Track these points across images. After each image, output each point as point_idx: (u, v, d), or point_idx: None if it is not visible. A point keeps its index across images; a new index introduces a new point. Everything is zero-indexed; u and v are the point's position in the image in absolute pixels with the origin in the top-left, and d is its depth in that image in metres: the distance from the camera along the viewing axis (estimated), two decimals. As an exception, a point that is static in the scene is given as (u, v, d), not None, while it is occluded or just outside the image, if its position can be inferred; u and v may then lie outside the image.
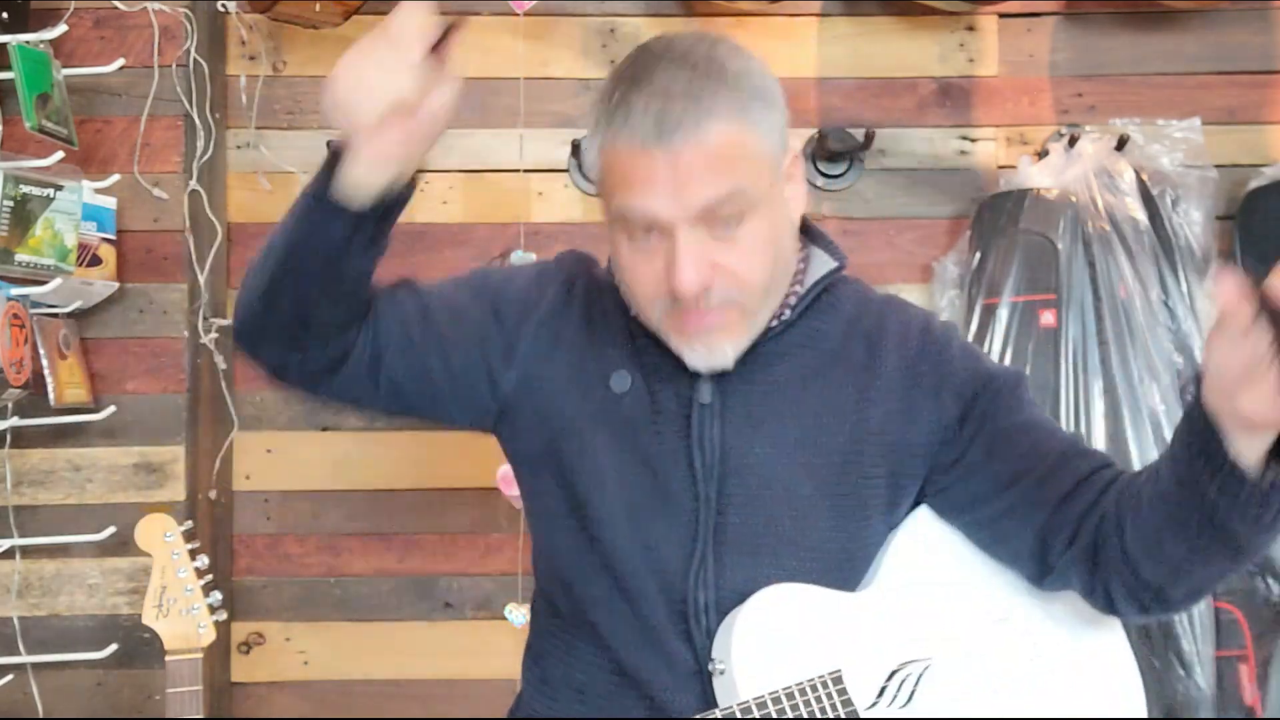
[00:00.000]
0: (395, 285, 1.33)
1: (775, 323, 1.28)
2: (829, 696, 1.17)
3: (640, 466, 1.27)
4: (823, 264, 1.32)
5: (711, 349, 1.22)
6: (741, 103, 1.17)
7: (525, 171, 2.45)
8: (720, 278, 1.18)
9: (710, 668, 1.20)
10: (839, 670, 1.19)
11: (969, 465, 1.27)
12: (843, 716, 1.16)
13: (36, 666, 2.20)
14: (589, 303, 1.35)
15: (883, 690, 1.19)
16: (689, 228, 1.16)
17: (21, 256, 2.01)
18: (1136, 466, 2.18)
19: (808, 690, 1.17)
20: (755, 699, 1.16)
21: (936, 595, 1.25)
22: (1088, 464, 1.23)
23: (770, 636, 1.19)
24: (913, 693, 1.20)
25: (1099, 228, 2.30)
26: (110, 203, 2.20)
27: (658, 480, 1.26)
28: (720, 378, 1.26)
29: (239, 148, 2.47)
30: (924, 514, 1.29)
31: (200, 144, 2.31)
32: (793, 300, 1.29)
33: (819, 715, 1.16)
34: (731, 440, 1.25)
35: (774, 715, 1.16)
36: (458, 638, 2.45)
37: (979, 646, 1.23)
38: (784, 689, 1.17)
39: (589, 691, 1.30)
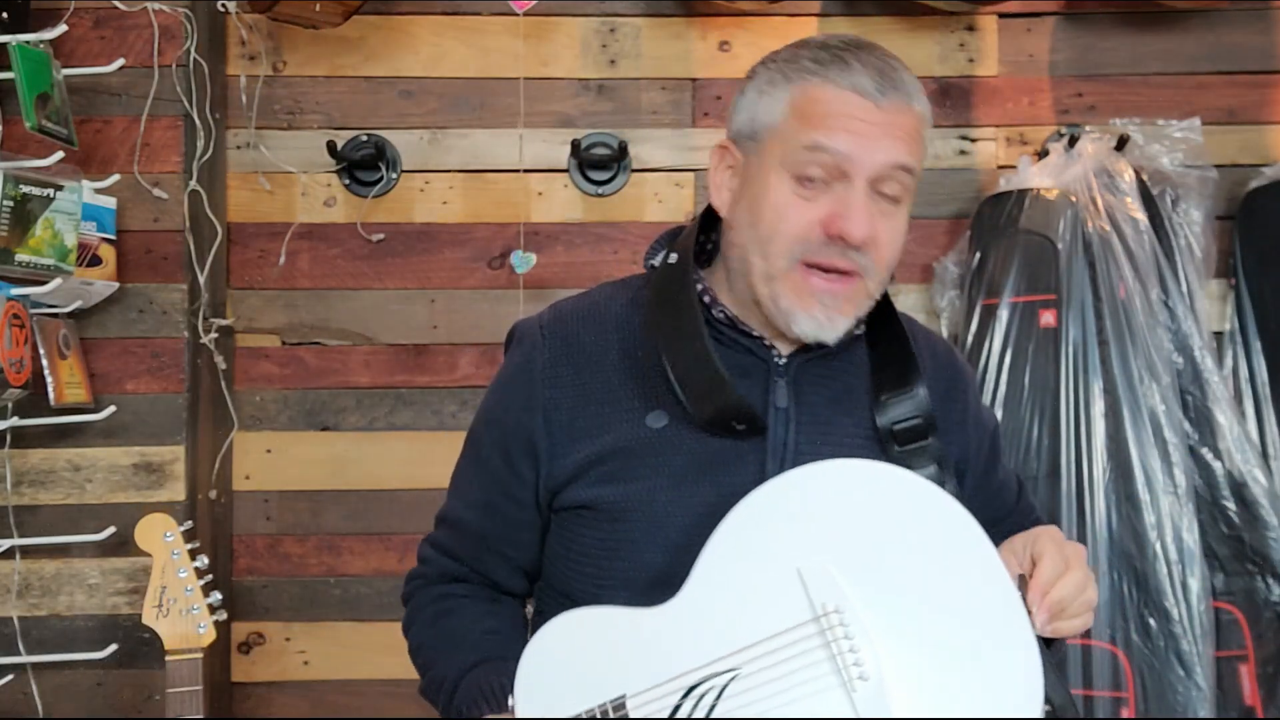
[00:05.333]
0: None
1: (852, 330, 1.30)
2: None
3: (701, 475, 1.25)
4: None
5: (831, 317, 1.24)
6: (928, 109, 1.32)
7: (525, 171, 2.46)
8: (871, 245, 1.23)
9: (508, 704, 1.18)
10: (622, 696, 1.14)
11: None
12: None
13: (36, 666, 2.20)
14: (598, 346, 1.32)
15: (677, 708, 1.14)
16: (866, 186, 1.23)
17: (21, 256, 2.00)
18: (1136, 467, 2.22)
19: None
20: None
21: (751, 600, 1.16)
22: (1019, 515, 1.45)
23: (558, 668, 1.16)
24: (714, 705, 1.14)
25: (1099, 228, 2.30)
26: (110, 203, 2.20)
27: (720, 487, 1.24)
28: (795, 382, 1.29)
29: (239, 148, 2.47)
30: (741, 514, 1.19)
31: (200, 144, 2.31)
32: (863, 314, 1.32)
33: None
34: (804, 445, 1.27)
35: None
36: (458, 638, 2.45)
37: (795, 651, 1.14)
38: None
39: None
